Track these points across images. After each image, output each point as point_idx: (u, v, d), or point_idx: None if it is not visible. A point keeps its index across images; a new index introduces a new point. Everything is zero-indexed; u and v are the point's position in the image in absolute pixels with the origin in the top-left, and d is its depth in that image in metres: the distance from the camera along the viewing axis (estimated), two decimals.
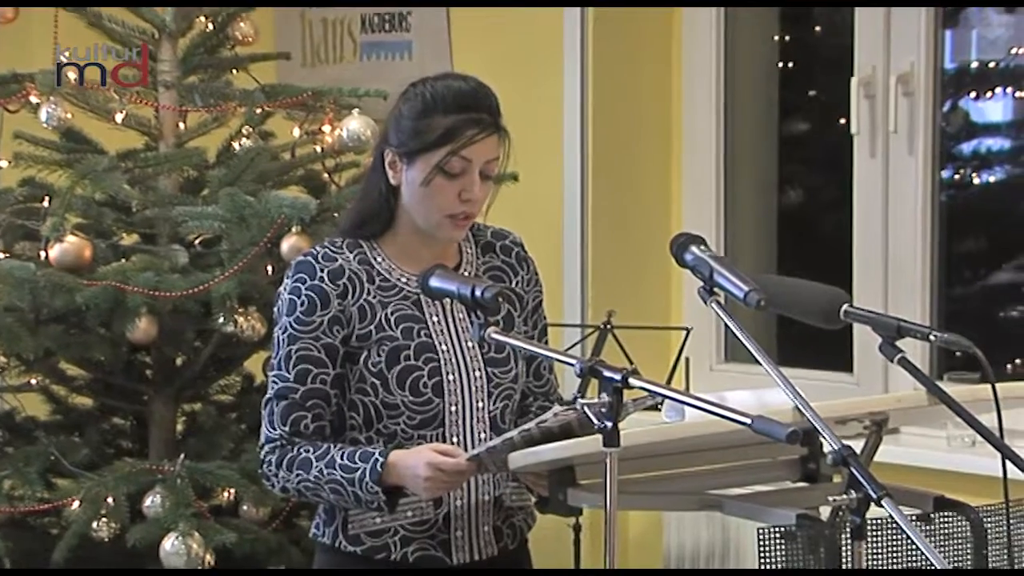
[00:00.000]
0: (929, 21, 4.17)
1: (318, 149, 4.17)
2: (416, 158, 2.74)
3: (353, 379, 2.78)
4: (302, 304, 2.76)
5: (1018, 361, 4.21)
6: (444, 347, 2.80)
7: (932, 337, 2.54)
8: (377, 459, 2.69)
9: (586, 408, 2.36)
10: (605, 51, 4.55)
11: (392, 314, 2.79)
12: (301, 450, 2.75)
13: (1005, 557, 2.69)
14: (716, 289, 2.51)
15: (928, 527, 2.68)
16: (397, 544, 2.80)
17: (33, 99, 4.03)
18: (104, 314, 3.81)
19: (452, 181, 2.74)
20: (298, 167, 4.26)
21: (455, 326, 2.82)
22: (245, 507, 3.94)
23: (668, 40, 4.65)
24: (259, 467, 2.81)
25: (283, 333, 2.78)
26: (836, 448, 2.23)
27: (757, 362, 2.40)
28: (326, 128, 4.12)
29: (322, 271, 2.77)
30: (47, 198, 4.00)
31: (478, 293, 2.59)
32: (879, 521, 2.71)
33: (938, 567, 2.13)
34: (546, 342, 3.00)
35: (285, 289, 2.80)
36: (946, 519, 2.72)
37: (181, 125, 4.21)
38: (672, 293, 4.65)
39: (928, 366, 4.08)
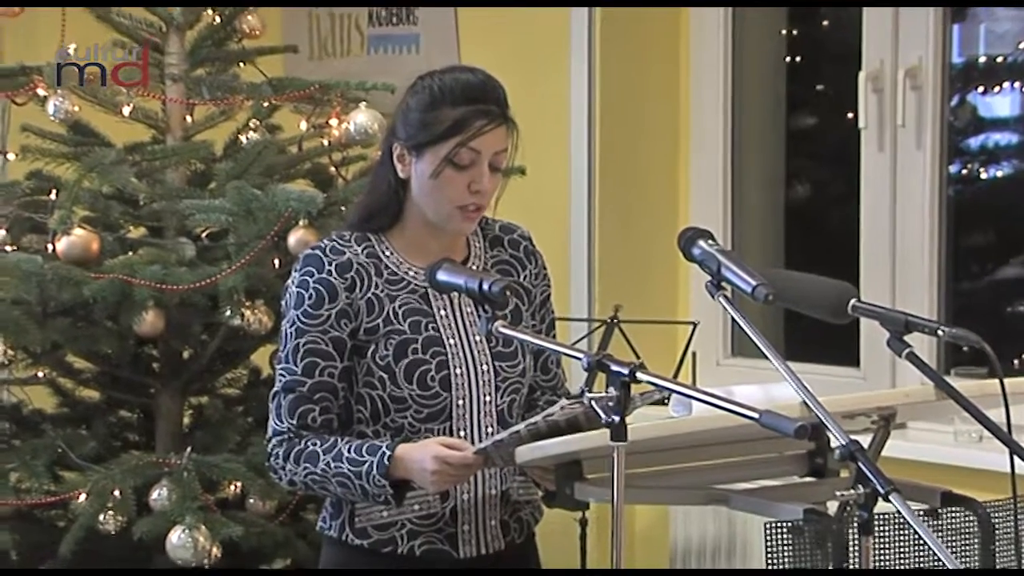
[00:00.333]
0: (937, 16, 4.17)
1: (325, 142, 4.17)
2: (425, 150, 2.74)
3: (360, 372, 2.78)
4: (310, 297, 2.76)
5: None
6: (452, 341, 2.80)
7: (940, 332, 2.53)
8: (384, 452, 2.69)
9: (593, 402, 2.36)
10: (613, 44, 4.55)
11: (400, 308, 2.79)
12: (308, 443, 2.75)
13: (1013, 552, 2.68)
14: (724, 283, 2.51)
15: (935, 522, 2.67)
16: (404, 537, 2.80)
17: (40, 92, 4.03)
18: (111, 307, 3.81)
19: (461, 173, 2.73)
20: (305, 160, 4.26)
21: (463, 320, 2.82)
22: (252, 500, 3.94)
23: (676, 35, 4.65)
24: (266, 460, 2.82)
25: (291, 326, 2.78)
26: (844, 443, 2.22)
27: (764, 357, 2.40)
28: (333, 121, 4.11)
29: (330, 264, 2.77)
30: (54, 191, 4.00)
31: (485, 287, 2.59)
32: (886, 516, 2.71)
33: (946, 563, 2.13)
34: (554, 336, 3.00)
35: (293, 282, 2.80)
36: (953, 514, 2.72)
37: (188, 118, 4.21)
38: (679, 287, 4.65)
39: (936, 361, 4.08)
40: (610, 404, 2.33)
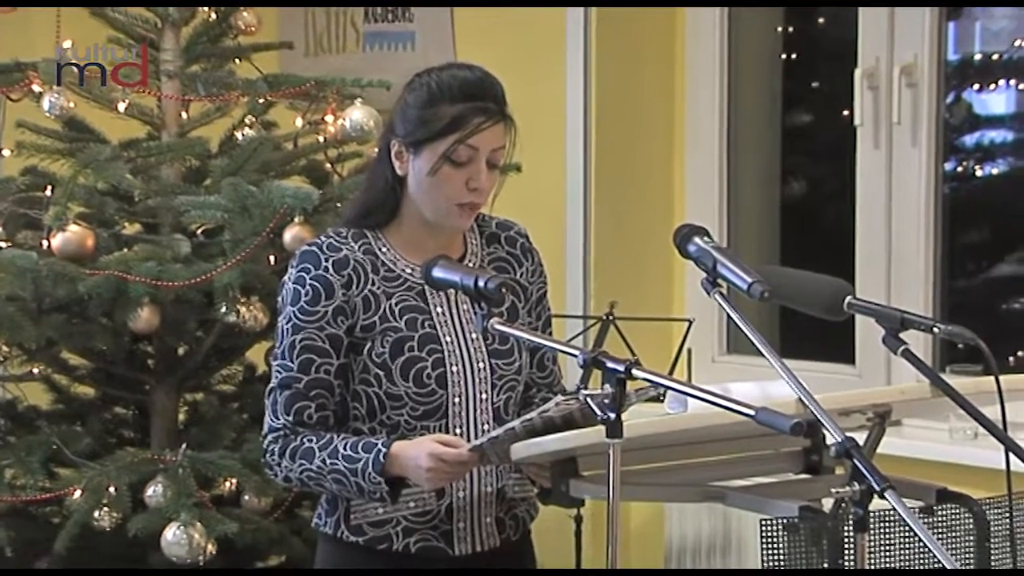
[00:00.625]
0: (933, 13, 4.17)
1: (321, 139, 4.17)
2: (423, 147, 2.74)
3: (357, 369, 2.78)
4: (306, 294, 2.76)
5: (1021, 353, 4.21)
6: (448, 338, 2.80)
7: (936, 329, 2.53)
8: (380, 449, 2.69)
9: (589, 399, 2.35)
10: (609, 42, 4.55)
11: (396, 305, 2.78)
12: (304, 440, 2.75)
13: (1007, 550, 2.68)
14: (719, 280, 2.51)
15: (931, 519, 2.67)
16: (399, 535, 2.80)
17: (36, 88, 4.02)
18: (106, 304, 3.81)
19: (459, 170, 2.73)
20: (301, 157, 4.26)
21: (459, 317, 2.82)
22: (247, 497, 3.94)
23: (671, 33, 4.65)
24: (262, 456, 2.81)
25: (287, 323, 2.77)
26: (839, 440, 2.22)
27: (760, 354, 2.40)
28: (329, 118, 4.11)
29: (327, 261, 2.77)
30: (49, 187, 4.00)
31: (481, 283, 2.58)
32: (882, 513, 2.71)
33: (941, 560, 2.13)
34: (550, 333, 3.00)
35: (289, 279, 2.80)
36: (949, 511, 2.72)
37: (184, 114, 4.21)
38: (675, 284, 4.65)
39: (931, 358, 4.08)
40: (606, 401, 2.33)
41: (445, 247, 2.81)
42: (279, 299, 2.83)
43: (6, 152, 4.14)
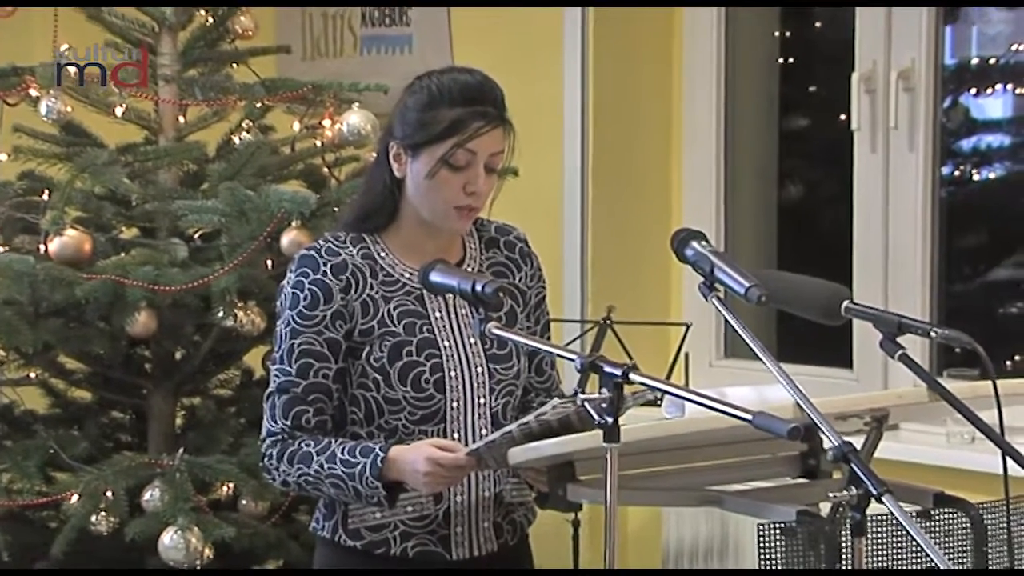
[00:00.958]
0: (930, 17, 4.17)
1: (318, 143, 4.17)
2: (421, 151, 2.74)
3: (355, 374, 2.78)
4: (305, 298, 2.76)
5: (1018, 357, 4.21)
6: (446, 343, 2.80)
7: (933, 333, 2.53)
8: (377, 454, 2.69)
9: (587, 403, 2.36)
10: (606, 45, 4.55)
11: (395, 309, 2.78)
12: (302, 444, 2.75)
13: (1005, 554, 2.68)
14: (716, 285, 2.51)
15: (928, 523, 2.68)
16: (397, 539, 2.80)
17: (33, 92, 4.02)
18: (103, 308, 3.80)
19: (457, 174, 2.73)
20: (298, 161, 4.26)
21: (458, 322, 2.82)
22: (244, 501, 3.94)
23: (669, 36, 4.65)
24: (260, 460, 2.81)
25: (285, 327, 2.77)
26: (836, 444, 2.22)
27: (757, 358, 2.40)
28: (326, 122, 4.11)
29: (325, 265, 2.77)
30: (46, 192, 3.99)
31: (478, 288, 2.59)
32: (879, 517, 2.71)
33: (938, 564, 2.13)
34: (548, 338, 3.00)
35: (288, 283, 2.79)
36: (946, 515, 2.72)
37: (181, 119, 4.21)
38: (672, 289, 4.65)
39: (928, 362, 4.08)
40: (603, 405, 2.33)
41: (444, 251, 2.81)
42: (277, 303, 2.84)
43: (3, 156, 4.13)
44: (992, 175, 4.59)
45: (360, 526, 2.82)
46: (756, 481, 2.75)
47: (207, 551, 3.73)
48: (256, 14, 4.31)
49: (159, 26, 4.16)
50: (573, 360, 2.46)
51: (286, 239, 3.78)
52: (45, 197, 3.97)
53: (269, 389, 2.80)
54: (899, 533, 2.73)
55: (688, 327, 4.21)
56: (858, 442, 2.39)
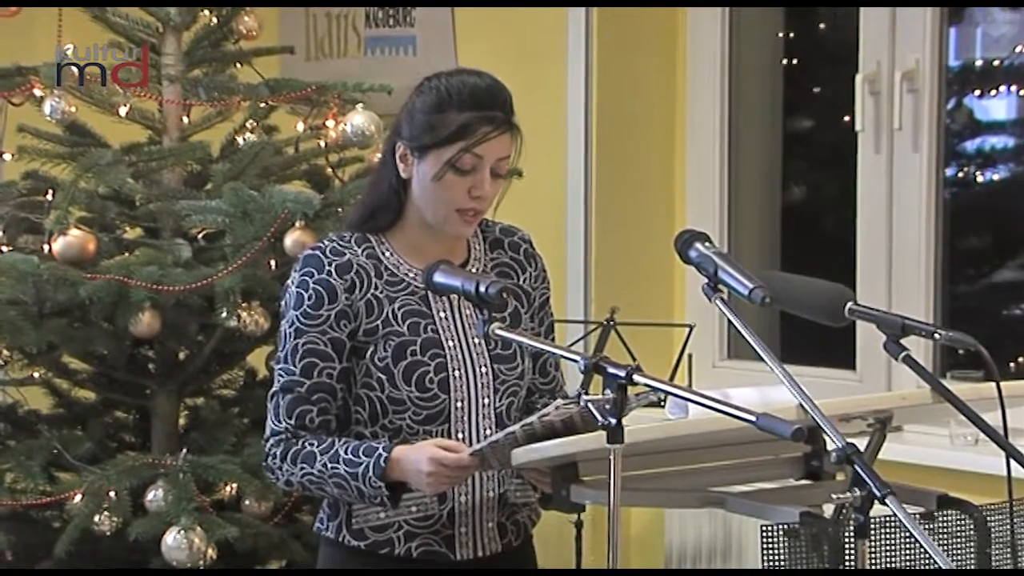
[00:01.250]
0: (934, 18, 4.17)
1: (322, 144, 4.17)
2: (428, 153, 2.74)
3: (359, 373, 2.78)
4: (309, 298, 2.76)
5: (1022, 359, 4.21)
6: (451, 343, 2.80)
7: (937, 335, 2.53)
8: (381, 454, 2.69)
9: (590, 404, 2.35)
10: (609, 46, 4.55)
11: (399, 309, 2.78)
12: (306, 444, 2.75)
13: (1008, 556, 2.68)
14: (720, 286, 2.51)
15: (932, 525, 2.67)
16: (401, 539, 2.80)
17: (37, 92, 4.02)
18: (107, 308, 3.80)
19: (463, 178, 2.73)
20: (302, 162, 4.26)
21: (462, 322, 2.82)
22: (247, 501, 3.94)
23: (673, 37, 4.65)
24: (264, 460, 2.82)
25: (290, 327, 2.77)
26: (840, 446, 2.22)
27: (760, 359, 2.40)
28: (330, 123, 4.11)
29: (330, 265, 2.77)
30: (50, 191, 3.99)
31: (482, 288, 2.59)
32: (883, 519, 2.71)
33: (942, 566, 2.13)
34: (553, 339, 3.00)
35: (292, 283, 2.80)
36: (950, 517, 2.72)
37: (185, 119, 4.21)
38: (676, 289, 4.65)
39: (932, 364, 4.08)
40: (607, 406, 2.33)
41: (448, 252, 2.81)
42: (282, 303, 2.84)
43: (7, 156, 4.14)
44: (996, 177, 4.59)
45: (364, 526, 2.82)
46: (759, 482, 2.75)
47: (210, 551, 3.73)
48: (260, 15, 4.31)
49: (163, 26, 4.17)
50: (577, 361, 2.46)
51: (290, 239, 3.78)
52: (49, 197, 3.97)
53: (273, 389, 2.80)
54: (902, 535, 2.73)
55: (692, 328, 4.21)
56: (861, 444, 2.39)
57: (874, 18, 4.23)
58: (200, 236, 4.07)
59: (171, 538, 3.70)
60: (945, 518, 2.71)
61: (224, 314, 3.80)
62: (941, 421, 3.84)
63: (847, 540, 2.43)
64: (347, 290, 2.77)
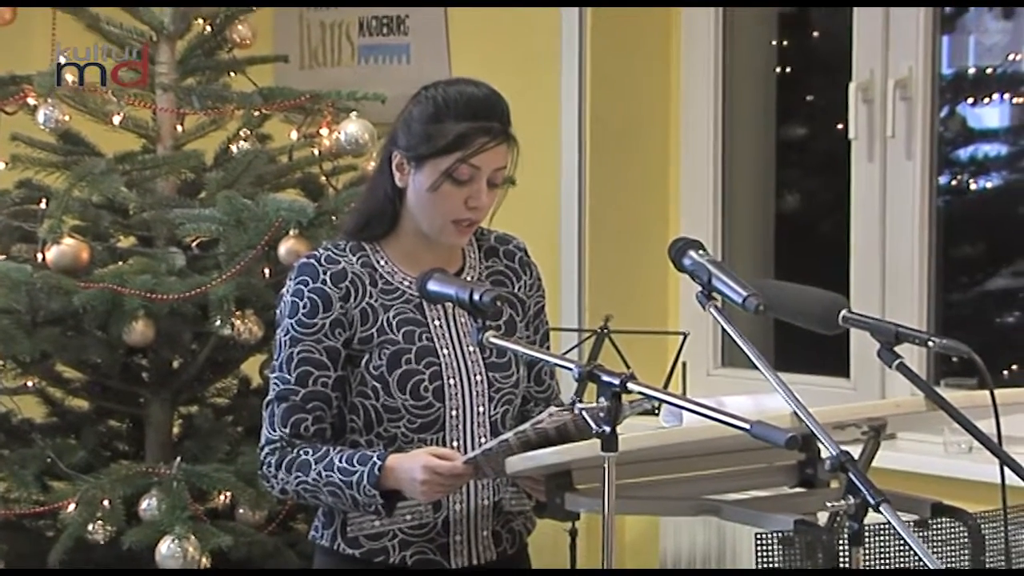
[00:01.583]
0: (927, 26, 4.17)
1: (316, 152, 4.17)
2: (425, 163, 2.74)
3: (354, 382, 2.78)
4: (304, 306, 2.76)
5: (1015, 367, 4.21)
6: (445, 351, 2.80)
7: (930, 343, 2.54)
8: (375, 462, 2.69)
9: (584, 412, 2.36)
10: (603, 55, 4.55)
11: (394, 318, 2.78)
12: (300, 452, 2.75)
13: (1002, 563, 2.68)
14: (714, 294, 2.51)
15: (926, 533, 2.68)
16: (396, 547, 2.80)
17: (31, 101, 4.02)
18: (101, 316, 3.80)
19: (460, 188, 2.73)
20: (295, 170, 4.27)
21: (457, 330, 2.82)
22: (241, 510, 3.93)
23: (667, 45, 4.66)
24: (258, 468, 2.81)
25: (285, 335, 2.77)
26: (834, 454, 2.23)
27: (754, 367, 2.40)
28: (324, 131, 4.12)
29: (325, 273, 2.77)
30: (44, 200, 4.00)
31: (476, 296, 2.59)
32: (877, 527, 2.71)
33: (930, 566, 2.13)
34: (548, 347, 3.00)
35: (287, 291, 2.80)
36: (944, 525, 2.72)
37: (179, 128, 4.21)
38: (669, 297, 4.65)
39: (926, 371, 4.08)
40: (601, 414, 2.33)
41: (443, 260, 2.81)
42: (277, 311, 2.84)
43: (1, 165, 4.13)
44: (989, 184, 4.59)
45: (359, 534, 2.82)
46: (754, 490, 2.75)
47: (204, 560, 3.73)
48: (254, 23, 4.32)
49: (157, 35, 4.17)
50: (571, 369, 2.46)
51: (283, 248, 3.78)
52: (43, 206, 3.98)
53: (268, 397, 2.80)
54: (897, 542, 2.73)
55: (686, 336, 4.22)
56: (856, 451, 2.39)
57: (867, 26, 4.23)
58: (194, 244, 4.07)
59: (165, 547, 3.70)
60: (939, 526, 2.71)
61: (218, 322, 3.80)
62: (935, 429, 3.85)
63: (841, 548, 2.43)
64: (342, 298, 2.77)
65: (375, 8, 5.02)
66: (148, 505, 3.79)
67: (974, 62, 4.46)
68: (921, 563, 2.15)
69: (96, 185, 3.93)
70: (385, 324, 2.78)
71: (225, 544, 3.74)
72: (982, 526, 2.66)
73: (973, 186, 4.55)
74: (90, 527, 3.78)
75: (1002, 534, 2.64)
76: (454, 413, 2.79)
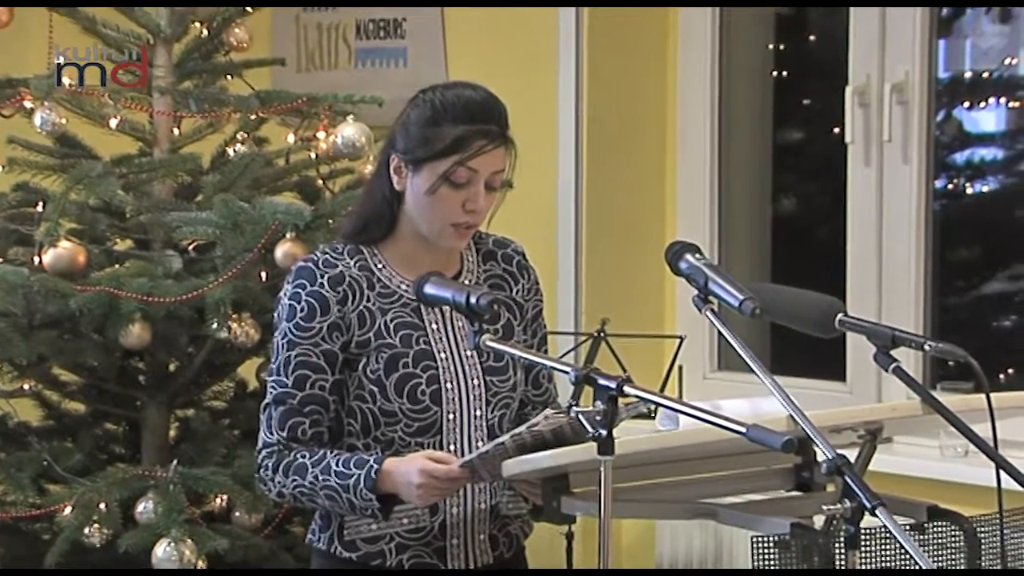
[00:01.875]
0: (923, 30, 4.18)
1: (312, 155, 4.17)
2: (422, 166, 2.74)
3: (352, 386, 2.78)
4: (302, 310, 2.76)
5: (1012, 371, 4.21)
6: (443, 355, 2.80)
7: (927, 347, 2.53)
8: (372, 466, 2.69)
9: (580, 415, 2.36)
10: (600, 57, 4.55)
11: (391, 321, 2.78)
12: (298, 455, 2.75)
13: (999, 567, 2.68)
14: (711, 297, 2.51)
15: (922, 537, 2.67)
16: (392, 551, 2.80)
17: (27, 104, 4.02)
18: (97, 319, 3.80)
19: (457, 191, 2.73)
20: (292, 173, 4.27)
21: (454, 334, 2.82)
22: (238, 513, 3.93)
23: (664, 46, 4.66)
24: (256, 471, 2.81)
25: (282, 339, 2.77)
26: (830, 457, 2.23)
27: (751, 370, 2.40)
28: (320, 134, 4.12)
29: (322, 277, 2.77)
30: (41, 203, 4.00)
31: (472, 300, 2.59)
32: (873, 530, 2.71)
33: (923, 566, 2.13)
34: (546, 351, 3.00)
35: (285, 295, 2.80)
36: (940, 529, 2.71)
37: (175, 131, 4.21)
38: (666, 301, 4.65)
39: (922, 375, 4.09)
40: (597, 418, 2.33)
41: (441, 264, 2.81)
42: (275, 315, 2.83)
43: None
44: (985, 188, 4.60)
45: (356, 538, 2.82)
46: (750, 494, 2.75)
47: (200, 563, 3.72)
48: (251, 26, 4.32)
49: (154, 38, 4.17)
50: (567, 373, 2.46)
51: (280, 251, 3.78)
52: (39, 209, 3.98)
53: (265, 400, 2.80)
54: (893, 546, 2.73)
55: (682, 339, 4.22)
56: (852, 455, 2.40)
57: (864, 30, 4.24)
58: (190, 248, 4.07)
59: (161, 550, 3.70)
60: (935, 529, 2.71)
61: (214, 325, 3.80)
62: (931, 432, 3.85)
63: (838, 551, 2.43)
64: (339, 302, 2.77)
65: (372, 9, 5.02)
66: (144, 508, 3.79)
67: (970, 66, 4.46)
68: (917, 566, 2.15)
69: (93, 188, 3.93)
70: (382, 328, 2.78)
71: (221, 547, 3.74)
72: (978, 530, 2.66)
73: (969, 190, 4.55)
74: (86, 530, 3.78)
75: (998, 538, 2.64)
76: (451, 417, 2.79)
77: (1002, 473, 2.46)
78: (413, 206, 2.78)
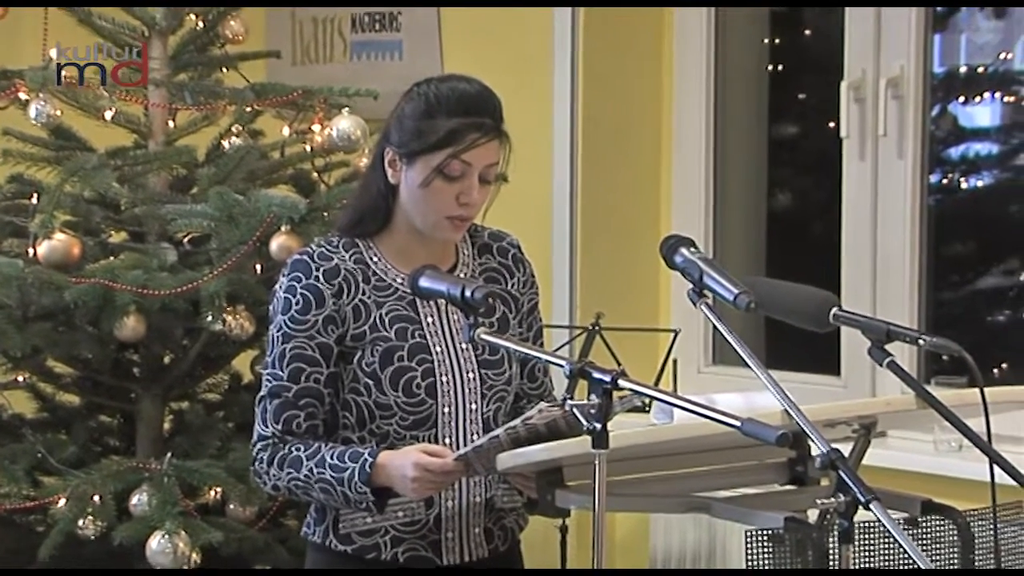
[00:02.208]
0: (919, 25, 4.18)
1: (308, 148, 4.17)
2: (416, 159, 2.74)
3: (347, 379, 2.78)
4: (297, 303, 2.76)
5: (1006, 365, 4.22)
6: (438, 348, 2.80)
7: (921, 341, 2.54)
8: (366, 459, 2.69)
9: (575, 409, 2.36)
10: (595, 55, 4.55)
11: (387, 314, 2.78)
12: (292, 448, 2.75)
13: (992, 561, 2.69)
14: (705, 291, 2.51)
15: (915, 531, 2.68)
16: (387, 544, 2.80)
17: (22, 96, 4.02)
18: (92, 312, 3.80)
19: (451, 184, 2.73)
20: (287, 166, 4.26)
21: (450, 327, 2.82)
22: (232, 506, 3.93)
23: (659, 42, 4.66)
24: (251, 464, 2.82)
25: (277, 331, 2.77)
26: (824, 451, 2.23)
27: (745, 364, 2.40)
28: (316, 127, 4.11)
29: (317, 270, 2.77)
30: (36, 195, 3.99)
31: (467, 293, 2.59)
32: (867, 524, 2.71)
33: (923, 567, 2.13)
34: (541, 344, 3.00)
35: (280, 287, 2.79)
36: (933, 523, 2.72)
37: (171, 123, 4.21)
38: (660, 295, 4.66)
39: (916, 370, 4.08)
40: (592, 411, 2.33)
41: (437, 257, 2.81)
42: (270, 308, 2.84)
43: None
44: (980, 183, 4.60)
45: (351, 531, 2.82)
46: (744, 488, 2.75)
47: (195, 556, 3.73)
48: (246, 19, 4.31)
49: (149, 30, 4.16)
50: (562, 366, 2.46)
51: (275, 244, 3.78)
52: (34, 200, 3.97)
53: (260, 393, 2.80)
54: (887, 540, 2.73)
55: (677, 333, 4.22)
56: (846, 449, 2.39)
57: (859, 25, 4.24)
58: (185, 240, 4.07)
59: (155, 543, 3.70)
60: (929, 524, 2.71)
61: (209, 318, 3.80)
62: (925, 427, 3.85)
63: (831, 545, 2.43)
64: (335, 295, 2.77)
65: (368, 4, 5.02)
66: (139, 501, 3.78)
67: (965, 61, 4.47)
68: (911, 561, 2.16)
69: (88, 180, 3.92)
70: (378, 321, 2.78)
71: (216, 540, 3.74)
72: (971, 524, 2.66)
73: (964, 185, 4.56)
74: (80, 522, 3.77)
75: (991, 532, 2.65)
76: (446, 410, 2.79)
77: (996, 468, 2.46)
78: (407, 199, 2.78)
